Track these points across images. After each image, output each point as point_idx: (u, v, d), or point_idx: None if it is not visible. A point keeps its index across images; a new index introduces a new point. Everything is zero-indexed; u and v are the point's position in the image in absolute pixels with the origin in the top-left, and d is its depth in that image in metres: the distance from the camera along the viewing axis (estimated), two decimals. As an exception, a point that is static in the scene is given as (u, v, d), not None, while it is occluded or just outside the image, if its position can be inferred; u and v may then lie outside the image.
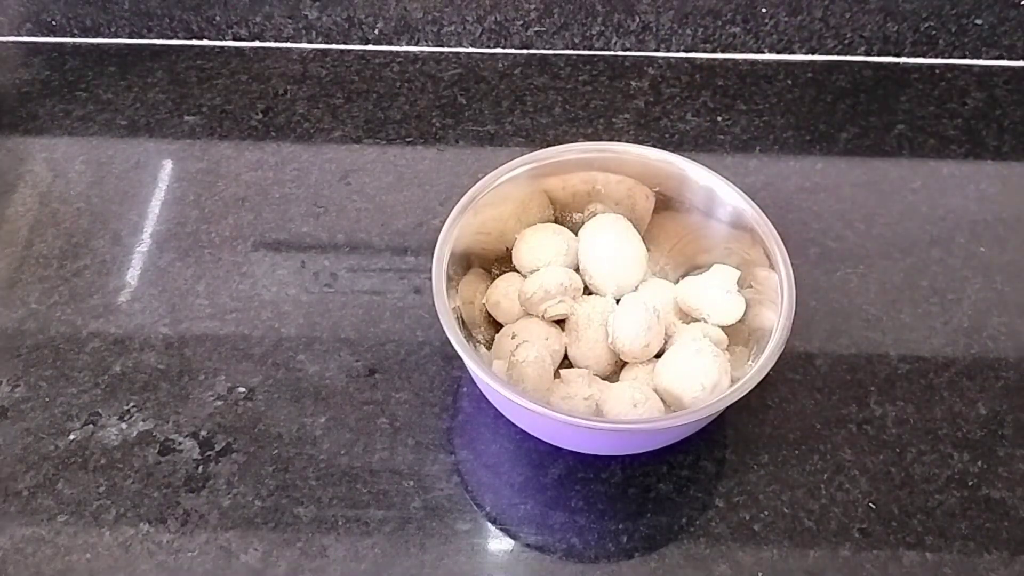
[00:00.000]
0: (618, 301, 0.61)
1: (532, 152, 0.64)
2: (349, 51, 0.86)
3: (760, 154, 0.78)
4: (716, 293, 0.61)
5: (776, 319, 0.56)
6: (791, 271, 0.58)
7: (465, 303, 0.62)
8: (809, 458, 0.61)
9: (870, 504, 0.59)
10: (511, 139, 0.79)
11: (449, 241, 0.59)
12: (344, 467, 0.60)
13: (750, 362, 0.58)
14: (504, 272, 0.65)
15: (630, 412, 0.56)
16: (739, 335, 0.61)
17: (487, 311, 0.64)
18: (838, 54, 0.85)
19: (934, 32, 0.83)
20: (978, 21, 0.82)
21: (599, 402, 0.58)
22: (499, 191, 0.62)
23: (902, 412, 0.63)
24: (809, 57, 0.85)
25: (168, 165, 0.77)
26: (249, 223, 0.73)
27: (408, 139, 0.79)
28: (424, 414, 0.63)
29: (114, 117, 0.80)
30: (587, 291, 0.63)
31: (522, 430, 0.60)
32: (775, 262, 0.58)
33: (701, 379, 0.56)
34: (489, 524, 0.58)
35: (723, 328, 0.62)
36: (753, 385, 0.54)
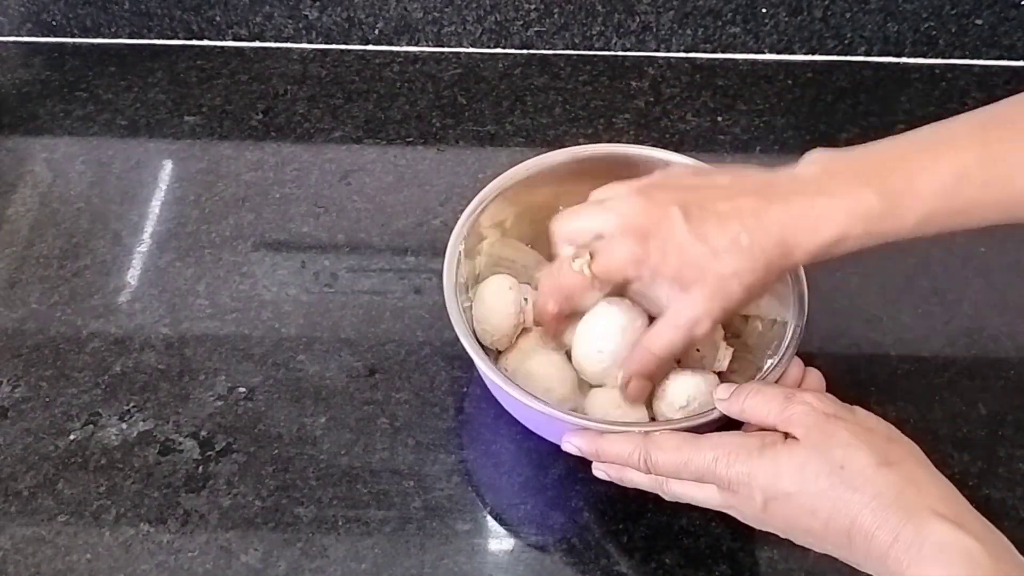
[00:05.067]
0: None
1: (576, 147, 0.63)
2: (349, 51, 0.86)
3: (760, 154, 0.78)
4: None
5: (788, 322, 0.56)
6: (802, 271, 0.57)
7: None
8: (809, 458, 0.61)
9: (870, 504, 0.59)
10: (511, 139, 0.79)
11: (461, 240, 0.59)
12: (344, 467, 0.60)
13: (769, 360, 0.57)
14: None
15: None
16: (754, 332, 0.61)
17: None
18: (838, 54, 0.85)
19: (934, 32, 0.83)
20: (978, 21, 0.82)
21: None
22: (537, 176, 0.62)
23: (902, 412, 0.63)
24: (809, 57, 0.85)
25: (168, 165, 0.77)
26: (249, 223, 0.73)
27: (408, 139, 0.79)
28: (424, 414, 0.63)
29: (114, 117, 0.80)
30: None
31: (523, 430, 0.60)
32: None
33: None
34: (489, 524, 0.58)
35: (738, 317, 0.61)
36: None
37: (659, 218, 0.49)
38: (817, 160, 0.49)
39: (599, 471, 0.53)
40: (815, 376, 0.52)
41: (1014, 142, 0.47)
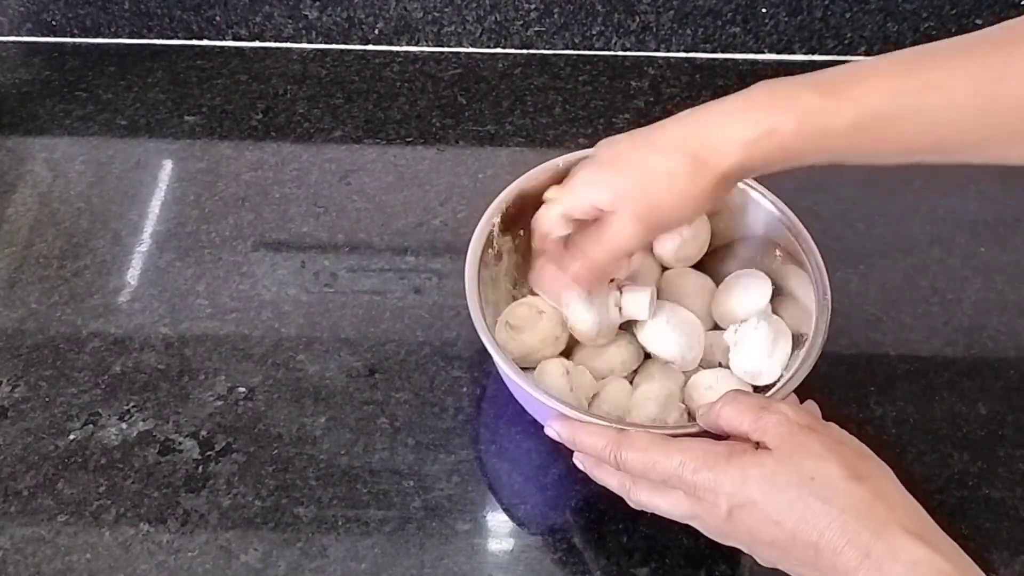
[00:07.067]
0: None
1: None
2: (349, 51, 0.86)
3: (760, 154, 0.78)
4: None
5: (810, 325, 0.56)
6: (824, 274, 0.56)
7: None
8: (809, 458, 0.61)
9: (870, 504, 0.59)
10: (511, 139, 0.79)
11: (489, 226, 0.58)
12: (344, 467, 0.60)
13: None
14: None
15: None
16: None
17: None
18: (838, 54, 0.85)
19: (934, 32, 0.83)
20: (978, 21, 0.82)
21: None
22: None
23: (902, 412, 0.63)
24: (809, 57, 0.85)
25: (168, 165, 0.77)
26: (249, 223, 0.73)
27: (408, 139, 0.79)
28: (424, 414, 0.63)
29: (114, 117, 0.80)
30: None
31: (523, 429, 0.60)
32: (809, 266, 0.57)
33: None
34: (489, 524, 0.58)
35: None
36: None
37: (614, 157, 0.52)
38: (765, 81, 0.49)
39: (578, 460, 0.53)
40: (810, 405, 0.52)
41: (950, 71, 0.46)
